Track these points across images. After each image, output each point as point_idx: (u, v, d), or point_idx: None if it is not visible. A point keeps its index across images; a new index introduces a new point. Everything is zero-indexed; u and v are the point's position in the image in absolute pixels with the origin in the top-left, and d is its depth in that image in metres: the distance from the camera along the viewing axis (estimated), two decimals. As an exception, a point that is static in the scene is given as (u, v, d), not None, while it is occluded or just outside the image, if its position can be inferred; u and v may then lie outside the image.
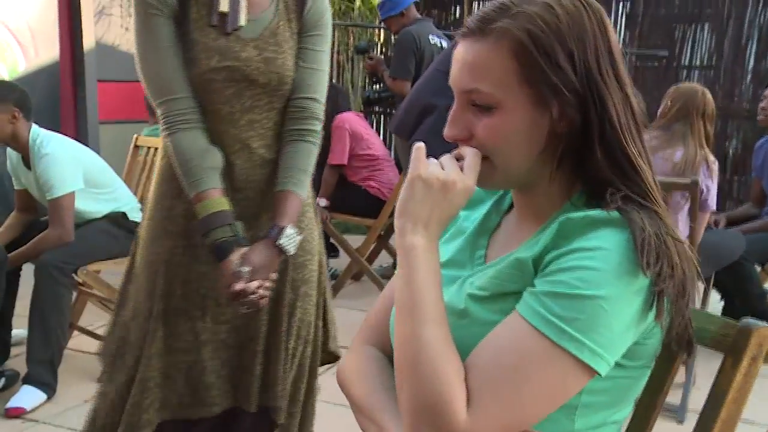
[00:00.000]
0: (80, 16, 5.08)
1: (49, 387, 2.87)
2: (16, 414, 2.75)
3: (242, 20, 1.72)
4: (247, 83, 1.71)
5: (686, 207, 3.07)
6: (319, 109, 1.83)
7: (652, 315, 0.90)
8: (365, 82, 7.02)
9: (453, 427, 0.86)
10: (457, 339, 0.94)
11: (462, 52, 0.99)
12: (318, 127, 1.83)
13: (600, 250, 0.88)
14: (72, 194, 3.02)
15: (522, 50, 0.94)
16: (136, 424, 1.75)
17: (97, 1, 5.31)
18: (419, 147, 0.97)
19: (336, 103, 4.23)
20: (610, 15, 6.33)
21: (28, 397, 2.81)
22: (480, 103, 0.97)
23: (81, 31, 5.09)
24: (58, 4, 4.98)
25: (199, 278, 1.78)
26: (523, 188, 1.05)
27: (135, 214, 3.31)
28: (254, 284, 1.66)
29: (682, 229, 3.04)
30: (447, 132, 1.01)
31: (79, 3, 5.07)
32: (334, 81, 6.05)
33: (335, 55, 6.60)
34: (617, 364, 0.93)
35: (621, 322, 0.87)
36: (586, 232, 0.91)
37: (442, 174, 0.95)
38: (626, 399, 1.01)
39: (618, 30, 6.51)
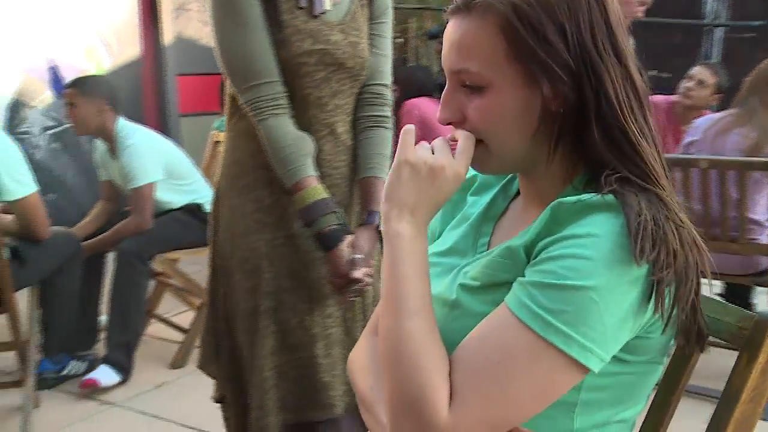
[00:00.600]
0: (159, 13, 5.23)
1: (124, 370, 2.98)
2: (90, 385, 2.86)
3: (328, 3, 1.68)
4: (335, 67, 1.68)
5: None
6: (390, 96, 1.83)
7: (651, 307, 0.83)
8: (439, 67, 6.94)
9: (434, 423, 0.81)
10: (449, 331, 0.89)
11: (450, 30, 0.94)
12: (390, 113, 1.82)
13: (591, 237, 0.82)
14: (152, 184, 3.15)
15: (508, 26, 0.88)
16: (265, 428, 1.71)
17: (177, -2, 5.47)
18: (407, 130, 0.92)
19: (419, 85, 4.23)
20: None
21: (103, 374, 2.91)
22: (470, 83, 0.91)
23: (160, 27, 5.24)
24: (139, 3, 5.14)
25: (303, 269, 1.73)
26: (523, 172, 1.00)
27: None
28: (363, 271, 1.64)
29: (765, 210, 2.87)
30: (439, 115, 0.96)
31: (159, 1, 5.22)
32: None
33: (412, 40, 6.54)
34: (618, 359, 0.87)
35: (614, 314, 0.80)
36: (579, 218, 0.84)
37: (431, 159, 0.90)
38: (633, 397, 0.94)
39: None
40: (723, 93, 3.87)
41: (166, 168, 3.24)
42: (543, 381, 0.82)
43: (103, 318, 3.23)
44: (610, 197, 0.85)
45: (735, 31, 6.10)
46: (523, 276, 0.86)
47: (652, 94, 3.03)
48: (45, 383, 2.88)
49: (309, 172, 1.64)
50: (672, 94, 3.90)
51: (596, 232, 0.82)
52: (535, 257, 0.86)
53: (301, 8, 1.66)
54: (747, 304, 3.34)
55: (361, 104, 1.78)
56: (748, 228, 2.81)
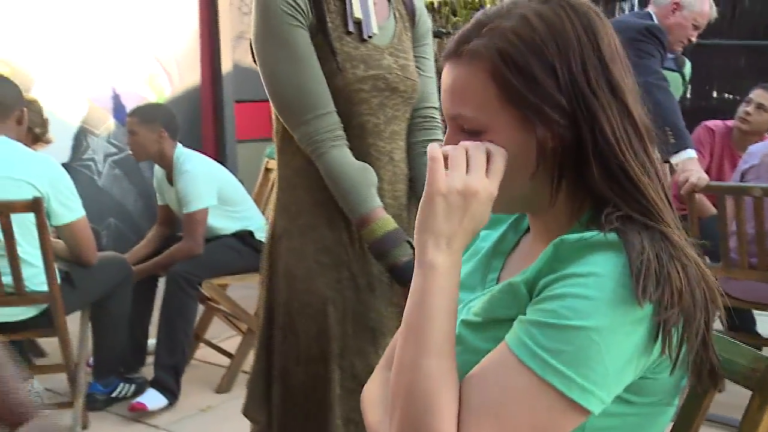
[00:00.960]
0: (219, 41, 5.37)
1: (171, 393, 3.02)
2: (139, 409, 2.91)
3: (374, 27, 1.64)
4: (389, 92, 1.64)
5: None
6: (440, 118, 1.79)
7: (659, 347, 0.81)
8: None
9: None
10: None
11: (444, 76, 0.94)
12: (442, 135, 1.76)
13: (593, 277, 0.80)
14: (205, 210, 3.23)
15: (496, 70, 0.87)
16: None
17: (236, 27, 5.59)
18: (433, 157, 0.88)
19: None
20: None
21: (151, 398, 2.97)
22: (467, 128, 0.91)
23: (219, 55, 5.38)
24: (200, 32, 5.30)
25: (366, 310, 1.66)
26: (529, 211, 0.99)
27: (261, 234, 3.46)
28: None
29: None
30: None
31: (218, 30, 5.36)
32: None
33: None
34: (623, 400, 0.85)
35: (616, 355, 0.79)
36: (581, 256, 0.83)
37: (462, 185, 0.86)
38: None
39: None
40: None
41: (220, 194, 3.32)
42: (542, 421, 0.80)
43: (152, 341, 3.30)
44: (612, 236, 0.83)
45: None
46: (524, 313, 0.85)
47: (715, 118, 2.97)
48: (94, 404, 2.95)
49: (377, 203, 1.59)
50: (733, 118, 3.78)
51: (598, 272, 0.81)
52: (537, 294, 0.85)
53: (350, 33, 1.62)
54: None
55: (413, 129, 1.75)
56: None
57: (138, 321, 3.32)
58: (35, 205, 2.43)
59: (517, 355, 0.81)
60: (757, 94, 3.65)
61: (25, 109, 2.76)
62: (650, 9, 3.16)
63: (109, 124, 4.82)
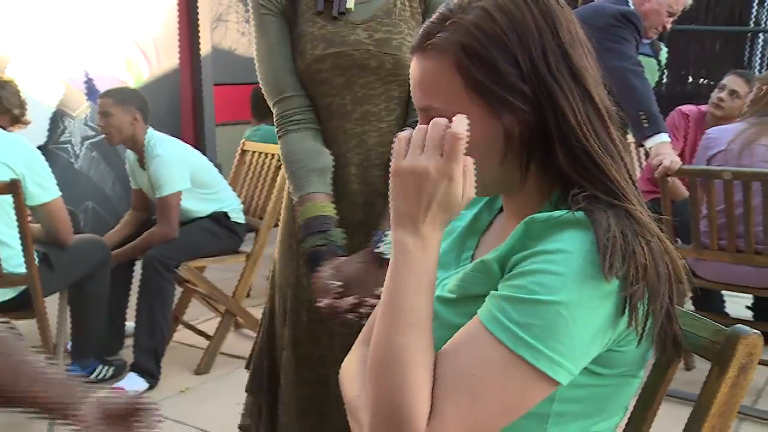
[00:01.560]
0: (198, 24, 5.34)
1: (151, 376, 3.05)
2: None
3: (350, 2, 1.59)
4: (356, 69, 1.57)
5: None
6: None
7: (625, 321, 0.85)
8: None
9: None
10: None
11: (412, 69, 0.96)
12: None
13: (561, 253, 0.84)
14: (178, 193, 3.23)
15: (461, 64, 0.90)
16: None
17: (214, 9, 5.57)
18: (397, 138, 0.90)
19: None
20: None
21: (131, 383, 2.99)
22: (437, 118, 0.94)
23: (198, 38, 5.35)
24: (179, 14, 5.26)
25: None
26: (502, 193, 1.02)
27: (237, 215, 3.48)
28: (349, 301, 1.44)
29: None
30: None
31: (197, 12, 5.33)
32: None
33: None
34: (591, 372, 0.88)
35: (584, 329, 0.82)
36: (550, 234, 0.86)
37: (410, 164, 0.87)
38: (608, 408, 0.95)
39: (752, 4, 6.06)
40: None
41: (192, 177, 3.32)
42: (513, 393, 0.83)
43: (130, 324, 3.31)
44: (580, 214, 0.86)
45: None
46: (496, 290, 0.88)
47: (690, 103, 3.01)
48: None
49: (314, 188, 1.56)
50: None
51: (566, 248, 0.84)
52: (509, 271, 0.88)
53: (320, 13, 1.60)
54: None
55: (411, 109, 1.62)
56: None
57: (116, 304, 3.33)
58: (12, 187, 2.43)
59: (489, 329, 0.85)
60: (730, 80, 3.70)
61: (1, 90, 2.74)
62: None
63: (86, 106, 4.79)
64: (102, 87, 4.77)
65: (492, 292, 0.88)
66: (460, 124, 0.87)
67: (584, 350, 0.84)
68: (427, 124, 0.95)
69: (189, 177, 3.29)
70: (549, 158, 0.92)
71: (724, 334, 0.94)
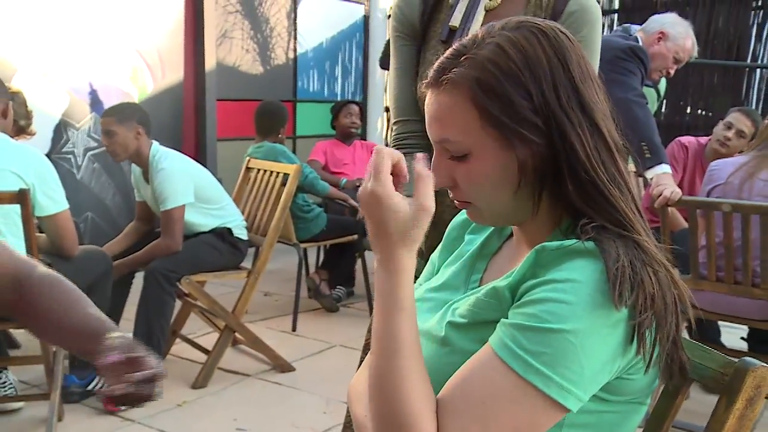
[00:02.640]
0: (204, 39, 5.38)
1: None
2: (112, 408, 2.89)
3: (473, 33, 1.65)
4: None
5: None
6: None
7: (634, 349, 0.87)
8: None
9: None
10: (438, 367, 0.94)
11: (427, 103, 1.00)
12: None
13: (571, 282, 0.86)
14: (182, 207, 3.26)
15: (476, 98, 0.93)
16: None
17: (220, 26, 5.61)
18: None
19: None
20: (745, 25, 6.00)
21: None
22: (453, 151, 0.97)
23: (204, 53, 5.39)
24: (185, 29, 5.30)
25: None
26: (515, 223, 1.05)
27: (240, 231, 3.50)
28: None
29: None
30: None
31: (203, 27, 5.37)
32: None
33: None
34: (600, 399, 0.91)
35: (593, 356, 0.85)
36: (561, 263, 0.89)
37: (365, 193, 0.92)
38: None
39: (750, 40, 6.14)
40: (755, 139, 3.83)
41: (197, 192, 3.35)
42: (523, 420, 0.86)
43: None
44: (590, 243, 0.89)
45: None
46: (507, 316, 0.90)
47: (688, 133, 3.03)
48: (70, 397, 2.95)
49: None
50: (708, 131, 3.88)
51: (576, 278, 0.87)
52: (519, 298, 0.91)
53: (444, 42, 1.63)
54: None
55: None
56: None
57: (110, 315, 3.33)
58: (21, 197, 2.44)
59: (500, 356, 0.87)
60: (736, 119, 3.71)
61: (10, 101, 2.77)
62: (638, 34, 3.26)
63: (90, 117, 4.81)
64: (107, 98, 4.80)
65: (503, 320, 0.90)
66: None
67: (593, 378, 0.86)
68: (444, 156, 0.99)
69: (193, 191, 3.32)
70: (560, 188, 0.95)
71: (732, 366, 0.96)
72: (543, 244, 0.91)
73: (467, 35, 1.61)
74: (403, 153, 1.64)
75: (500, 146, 0.94)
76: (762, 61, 6.06)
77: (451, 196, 1.02)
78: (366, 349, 1.18)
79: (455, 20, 1.61)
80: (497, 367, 0.86)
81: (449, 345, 0.98)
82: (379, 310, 0.91)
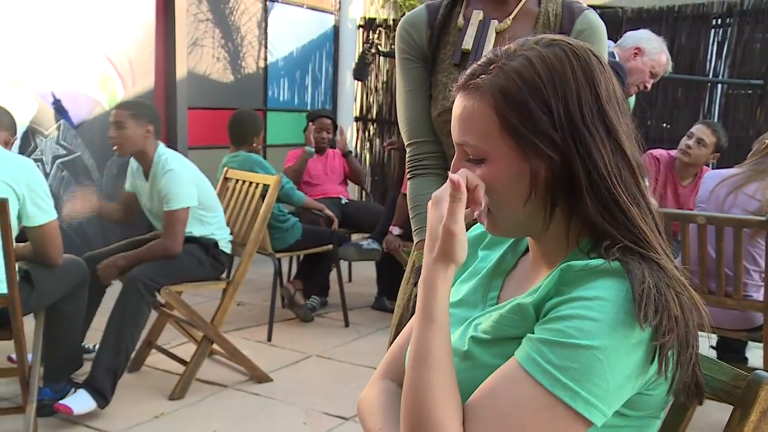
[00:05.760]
0: (175, 46, 5.33)
1: (103, 397, 2.93)
2: (63, 412, 2.83)
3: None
4: None
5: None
6: None
7: (654, 368, 0.90)
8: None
9: None
10: (460, 381, 0.95)
11: (455, 105, 1.03)
12: None
13: (598, 300, 0.88)
14: (187, 209, 3.27)
15: (498, 105, 0.96)
16: None
17: (191, 34, 5.57)
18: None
19: None
20: (706, 42, 6.15)
21: (80, 401, 2.88)
22: (471, 154, 1.00)
23: (175, 61, 5.34)
24: (156, 36, 5.25)
25: None
26: (527, 236, 1.07)
27: (225, 245, 3.49)
28: None
29: (760, 268, 2.92)
30: None
31: (175, 35, 5.33)
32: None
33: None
34: (619, 414, 0.93)
35: (617, 373, 0.87)
36: (587, 282, 0.91)
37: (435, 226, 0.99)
38: None
39: (709, 57, 6.30)
40: (721, 152, 3.95)
41: (198, 198, 3.35)
42: (547, 431, 0.87)
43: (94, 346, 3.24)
44: (616, 264, 0.91)
45: (735, 88, 6.23)
46: (532, 332, 0.92)
47: (655, 148, 3.13)
48: (43, 410, 2.88)
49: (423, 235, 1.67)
50: (672, 144, 3.99)
51: (603, 296, 0.89)
52: (544, 316, 0.93)
53: (457, 65, 1.65)
54: (741, 358, 3.39)
55: None
56: (743, 284, 2.86)
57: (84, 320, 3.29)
58: (0, 206, 2.40)
59: (527, 370, 0.89)
60: (698, 129, 3.88)
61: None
62: (614, 50, 3.33)
63: (59, 125, 4.73)
64: (76, 106, 4.73)
65: (528, 335, 0.92)
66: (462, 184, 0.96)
67: (617, 393, 0.88)
68: (463, 158, 1.01)
69: (197, 195, 3.33)
70: (575, 206, 0.97)
71: (744, 379, 1.00)
72: (568, 263, 0.93)
73: (480, 57, 1.67)
74: (421, 174, 1.70)
75: (515, 156, 0.97)
76: (722, 76, 6.22)
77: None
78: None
79: (467, 44, 1.64)
80: (523, 381, 0.88)
81: (472, 359, 1.00)
82: (422, 327, 0.96)
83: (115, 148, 3.31)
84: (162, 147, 3.34)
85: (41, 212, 2.62)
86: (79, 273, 2.97)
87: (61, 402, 2.86)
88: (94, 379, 2.95)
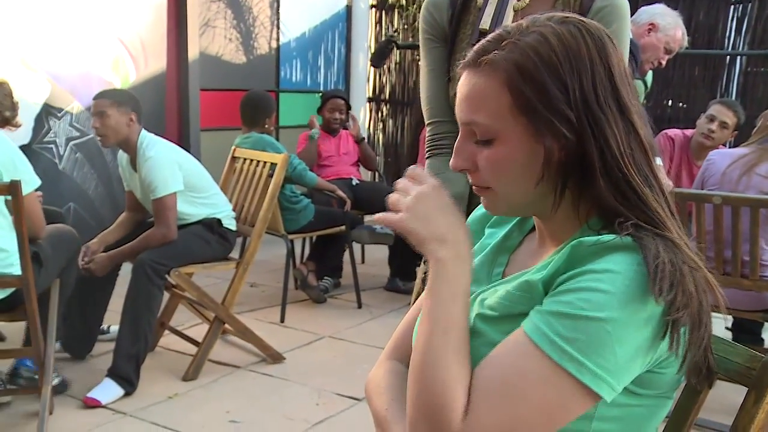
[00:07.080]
0: (186, 28, 5.31)
1: (129, 383, 2.99)
2: (92, 404, 2.88)
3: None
4: None
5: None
6: None
7: (665, 344, 0.88)
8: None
9: (447, 429, 0.87)
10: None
11: (461, 84, 1.00)
12: None
13: (609, 273, 0.86)
14: (174, 195, 3.23)
15: (512, 82, 0.93)
16: None
17: (203, 14, 5.55)
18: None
19: None
20: (725, 18, 6.07)
21: (107, 391, 2.94)
22: (479, 134, 0.97)
23: (187, 42, 5.32)
24: (167, 17, 5.23)
25: None
26: (532, 215, 1.06)
27: (229, 222, 3.47)
28: None
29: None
30: (452, 162, 1.02)
31: (186, 16, 5.31)
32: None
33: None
34: (630, 392, 0.91)
35: (627, 347, 0.85)
36: (598, 256, 0.89)
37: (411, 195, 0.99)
38: (642, 429, 0.97)
39: (728, 33, 6.21)
40: (739, 130, 3.90)
41: (185, 180, 3.31)
42: (554, 405, 0.86)
43: (114, 327, 3.27)
44: (628, 239, 0.89)
45: (754, 65, 6.14)
46: (541, 305, 0.91)
47: (670, 127, 3.09)
48: (17, 380, 2.92)
49: None
50: (688, 124, 3.93)
51: (614, 269, 0.87)
52: (554, 290, 0.91)
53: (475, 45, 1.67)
54: (756, 340, 3.36)
55: None
56: (759, 265, 2.83)
57: (93, 307, 3.31)
58: (12, 188, 2.40)
59: (534, 341, 0.87)
60: (718, 111, 3.79)
61: None
62: None
63: (73, 107, 4.74)
64: (88, 87, 4.72)
65: (537, 307, 0.91)
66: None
67: (627, 368, 0.87)
68: (468, 139, 0.99)
69: (182, 179, 3.28)
70: (586, 186, 0.95)
71: (759, 360, 0.98)
72: (579, 239, 0.91)
73: None
74: (438, 154, 1.69)
75: (529, 135, 0.94)
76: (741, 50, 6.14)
77: (469, 180, 1.02)
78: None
79: (485, 23, 1.62)
80: (531, 352, 0.87)
81: (480, 337, 0.98)
82: (442, 295, 0.94)
83: (99, 138, 3.27)
84: (144, 133, 3.27)
85: (24, 184, 2.56)
86: (74, 242, 3.00)
87: (88, 395, 2.91)
88: (117, 367, 3.00)
